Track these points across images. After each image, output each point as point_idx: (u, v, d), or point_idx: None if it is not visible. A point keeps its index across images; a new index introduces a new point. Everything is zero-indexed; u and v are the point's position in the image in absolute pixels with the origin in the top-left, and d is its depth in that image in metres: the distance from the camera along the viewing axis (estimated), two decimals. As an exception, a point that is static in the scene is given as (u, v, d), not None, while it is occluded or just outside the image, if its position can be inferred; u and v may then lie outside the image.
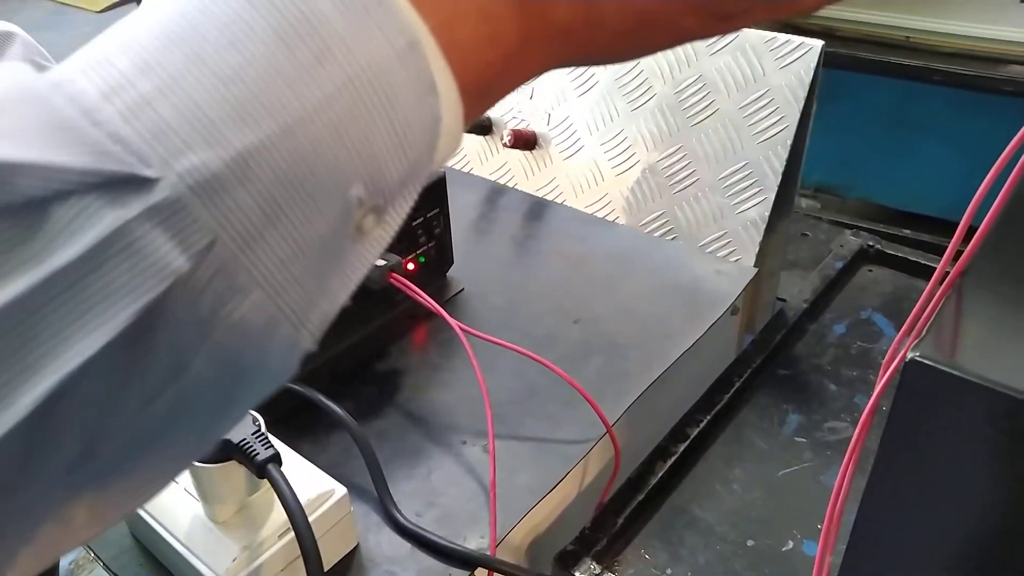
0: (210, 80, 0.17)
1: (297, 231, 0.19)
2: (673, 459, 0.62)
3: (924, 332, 0.37)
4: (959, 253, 0.41)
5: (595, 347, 0.63)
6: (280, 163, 0.18)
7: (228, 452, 0.42)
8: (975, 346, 0.37)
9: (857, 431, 0.42)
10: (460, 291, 0.69)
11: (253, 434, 0.42)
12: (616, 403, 0.58)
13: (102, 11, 1.61)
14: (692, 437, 0.64)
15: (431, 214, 0.66)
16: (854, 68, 1.20)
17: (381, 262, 0.57)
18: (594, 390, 0.57)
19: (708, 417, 0.65)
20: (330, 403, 0.53)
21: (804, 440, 0.65)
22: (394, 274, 0.57)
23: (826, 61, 1.30)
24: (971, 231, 0.41)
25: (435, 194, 0.65)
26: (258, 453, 0.41)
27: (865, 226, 0.86)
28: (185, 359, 0.18)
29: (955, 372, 0.35)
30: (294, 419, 0.57)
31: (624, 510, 0.59)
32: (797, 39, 0.65)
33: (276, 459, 0.41)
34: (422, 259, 0.67)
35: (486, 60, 0.21)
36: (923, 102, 1.22)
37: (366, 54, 0.19)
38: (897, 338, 0.42)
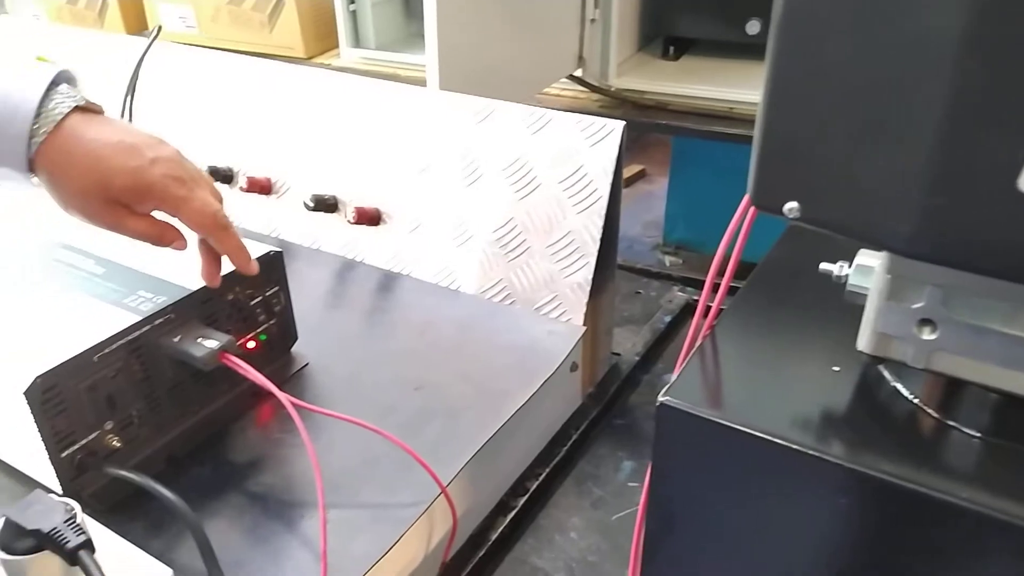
0: None
1: None
2: (513, 513, 0.66)
3: (675, 377, 0.42)
4: (717, 286, 0.47)
5: (434, 412, 0.66)
6: None
7: (40, 542, 0.42)
8: (719, 389, 0.43)
9: (648, 472, 0.47)
10: (305, 366, 0.71)
11: (65, 522, 0.42)
12: (451, 464, 0.61)
13: None
14: (532, 490, 0.68)
15: (270, 292, 0.68)
16: (690, 137, 1.31)
17: (212, 343, 0.59)
18: (431, 453, 0.59)
19: (547, 470, 0.69)
20: (160, 488, 0.54)
21: (637, 484, 0.70)
22: (227, 355, 0.59)
23: (668, 132, 1.40)
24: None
25: (273, 273, 0.68)
26: (69, 541, 0.41)
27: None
28: None
29: (697, 413, 0.40)
30: (128, 506, 0.57)
31: (466, 567, 0.62)
32: (602, 120, 0.72)
33: (88, 546, 0.42)
34: (263, 337, 0.68)
35: None
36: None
37: None
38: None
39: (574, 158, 0.74)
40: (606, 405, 0.77)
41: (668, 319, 0.87)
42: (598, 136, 0.73)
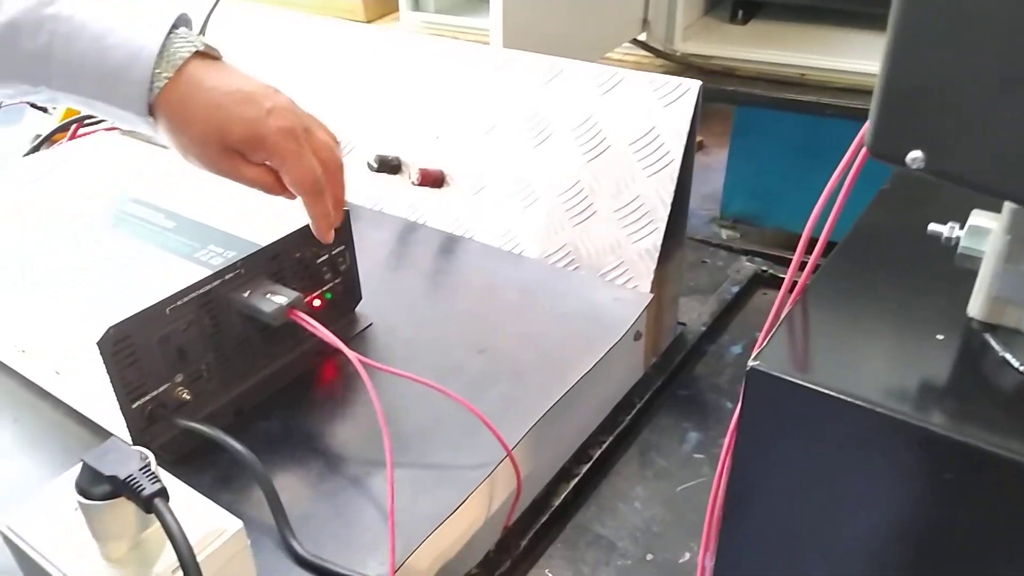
0: None
1: None
2: (576, 480, 0.65)
3: (765, 342, 0.40)
4: (804, 264, 0.44)
5: (499, 375, 0.65)
6: None
7: (116, 488, 0.42)
8: (811, 355, 0.41)
9: (727, 441, 0.45)
10: (369, 326, 0.71)
11: (140, 470, 0.42)
12: (517, 428, 0.60)
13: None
14: (595, 458, 0.66)
15: (336, 251, 0.68)
16: (757, 105, 1.27)
17: (281, 299, 0.59)
18: (496, 416, 0.59)
19: (610, 438, 0.68)
20: (230, 440, 0.54)
21: (702, 456, 0.68)
22: (295, 311, 0.59)
23: (734, 100, 1.36)
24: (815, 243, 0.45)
25: (340, 232, 0.67)
26: (144, 488, 0.41)
27: (774, 253, 0.90)
28: None
29: (788, 378, 0.38)
30: (197, 458, 0.57)
31: (528, 532, 0.61)
32: (676, 79, 0.70)
33: (163, 494, 0.42)
34: (328, 296, 0.68)
35: None
36: (826, 133, 1.30)
37: None
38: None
39: (646, 119, 0.72)
40: (670, 375, 0.75)
41: (736, 289, 0.84)
42: (672, 96, 0.70)
